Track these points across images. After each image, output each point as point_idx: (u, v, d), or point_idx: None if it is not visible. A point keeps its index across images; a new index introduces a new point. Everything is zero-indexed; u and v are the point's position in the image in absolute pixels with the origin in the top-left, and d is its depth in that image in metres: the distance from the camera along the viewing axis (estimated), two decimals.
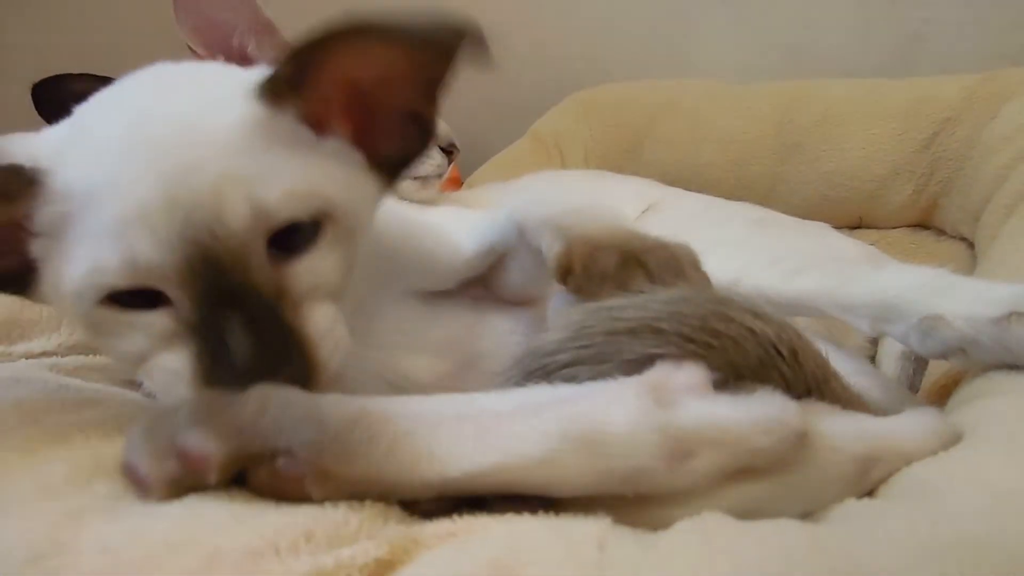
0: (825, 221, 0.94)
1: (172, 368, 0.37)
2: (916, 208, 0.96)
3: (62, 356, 0.51)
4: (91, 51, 1.12)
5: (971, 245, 0.89)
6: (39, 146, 0.40)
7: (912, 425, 0.35)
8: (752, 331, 0.32)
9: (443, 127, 0.87)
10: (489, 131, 1.31)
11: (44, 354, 0.50)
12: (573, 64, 1.35)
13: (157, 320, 0.37)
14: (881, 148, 0.96)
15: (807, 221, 0.91)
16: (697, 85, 1.16)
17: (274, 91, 0.39)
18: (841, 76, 1.07)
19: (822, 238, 0.86)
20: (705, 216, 0.90)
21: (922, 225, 0.97)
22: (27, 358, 0.49)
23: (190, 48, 0.79)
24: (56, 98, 0.95)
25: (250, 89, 0.39)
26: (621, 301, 0.35)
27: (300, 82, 0.39)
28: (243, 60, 0.80)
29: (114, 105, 0.41)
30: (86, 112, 0.42)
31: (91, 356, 0.52)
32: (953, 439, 0.35)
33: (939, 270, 0.48)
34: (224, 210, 0.36)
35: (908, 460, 0.34)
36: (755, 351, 0.32)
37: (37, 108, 0.94)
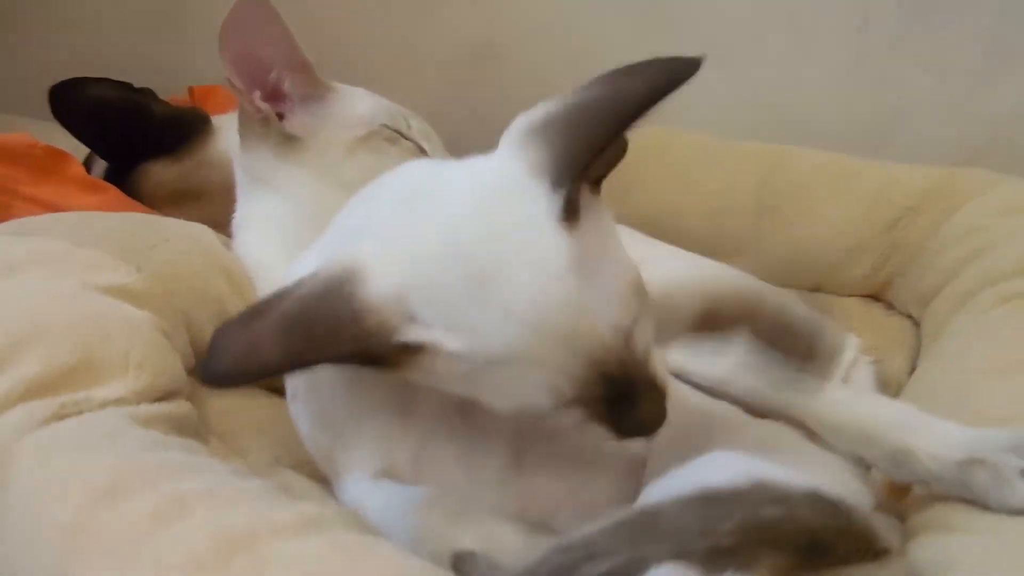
0: (789, 282, 1.04)
1: (600, 438, 0.45)
2: (871, 282, 1.06)
3: (136, 404, 0.54)
4: (103, 53, 1.11)
5: (917, 324, 1.00)
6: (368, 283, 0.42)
7: None
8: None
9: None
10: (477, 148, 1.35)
11: (119, 401, 0.53)
12: (563, 92, 1.40)
13: (574, 413, 0.44)
14: (848, 224, 1.06)
15: (779, 290, 1.00)
16: (687, 136, 1.23)
17: (573, 213, 0.43)
18: (819, 143, 1.15)
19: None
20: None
21: (874, 297, 1.08)
22: (103, 404, 0.52)
23: (228, 81, 0.81)
24: (74, 101, 0.96)
25: (553, 215, 0.43)
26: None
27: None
28: (277, 96, 0.84)
29: (436, 243, 0.43)
30: (395, 247, 0.44)
31: (160, 403, 0.56)
32: None
33: (909, 407, 0.57)
34: (609, 346, 0.43)
35: None
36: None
37: (54, 111, 0.95)
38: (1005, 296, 0.83)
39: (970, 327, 0.83)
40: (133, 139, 0.98)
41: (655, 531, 0.37)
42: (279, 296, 0.44)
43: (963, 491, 0.51)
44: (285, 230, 0.84)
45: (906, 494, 0.60)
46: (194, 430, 0.58)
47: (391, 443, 0.54)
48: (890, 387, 0.90)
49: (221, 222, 0.88)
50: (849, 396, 0.61)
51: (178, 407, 0.57)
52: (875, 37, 1.18)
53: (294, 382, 0.58)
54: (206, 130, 1.02)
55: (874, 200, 1.05)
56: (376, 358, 0.43)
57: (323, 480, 0.63)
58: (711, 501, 0.38)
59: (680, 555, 0.36)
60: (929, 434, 0.54)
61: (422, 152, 0.88)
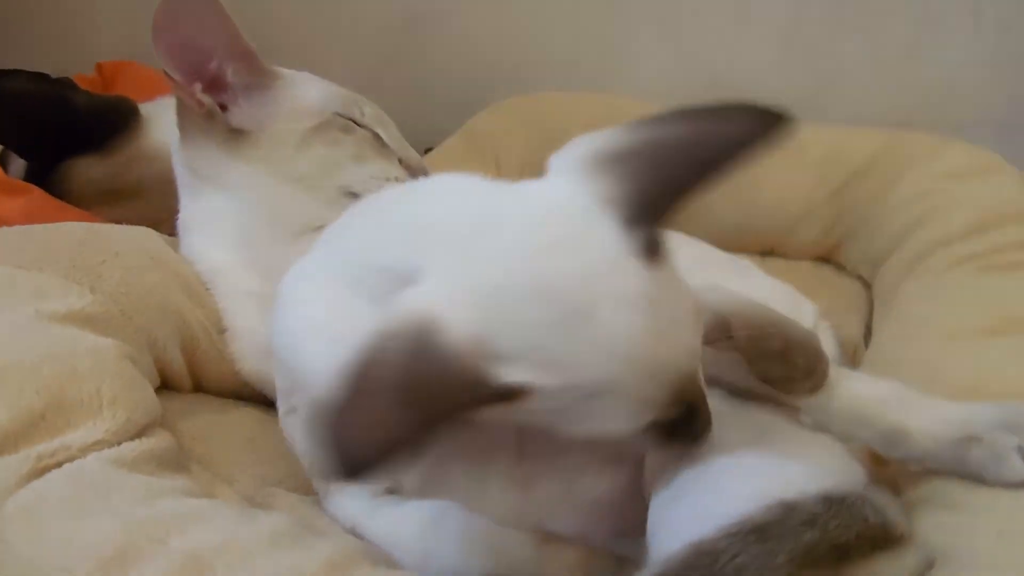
0: (741, 247, 1.06)
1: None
2: (822, 246, 1.09)
3: (116, 445, 0.50)
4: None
5: (867, 284, 1.04)
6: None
7: None
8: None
9: (417, 158, 0.88)
10: (416, 124, 1.32)
11: (98, 444, 0.49)
12: (502, 66, 1.37)
13: (638, 439, 0.46)
14: (797, 190, 1.08)
15: (735, 258, 1.02)
16: (630, 105, 1.22)
17: (653, 250, 0.43)
18: None
19: (751, 279, 0.97)
20: None
21: (825, 259, 1.11)
22: (82, 451, 0.48)
23: (166, 73, 0.75)
24: None
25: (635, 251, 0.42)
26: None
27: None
28: (219, 86, 0.78)
29: (516, 280, 0.42)
30: (469, 287, 0.42)
31: (141, 439, 0.52)
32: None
33: (897, 385, 0.59)
34: (686, 371, 0.44)
35: None
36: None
37: None
38: (955, 259, 0.87)
39: (924, 292, 0.86)
40: (54, 135, 0.90)
41: (715, 572, 0.37)
42: (369, 369, 0.40)
43: (959, 468, 0.53)
44: (238, 232, 0.79)
45: (889, 463, 0.62)
46: (176, 462, 0.55)
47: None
48: (847, 350, 0.94)
49: (159, 220, 0.83)
50: (837, 377, 0.62)
51: (159, 441, 0.54)
52: (812, 5, 1.19)
53: (293, 398, 0.55)
54: (135, 121, 0.95)
55: (821, 165, 1.07)
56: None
57: (308, 492, 0.61)
58: (760, 535, 0.38)
59: None
60: (922, 413, 0.55)
61: (378, 139, 0.84)
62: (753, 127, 0.44)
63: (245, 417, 0.71)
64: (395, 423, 0.39)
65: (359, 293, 0.49)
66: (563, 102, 1.27)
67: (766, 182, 1.10)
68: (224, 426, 0.67)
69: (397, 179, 0.82)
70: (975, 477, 0.52)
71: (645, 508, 0.55)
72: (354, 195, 0.81)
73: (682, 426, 0.46)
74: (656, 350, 0.43)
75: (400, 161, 0.84)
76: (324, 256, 0.55)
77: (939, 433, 0.53)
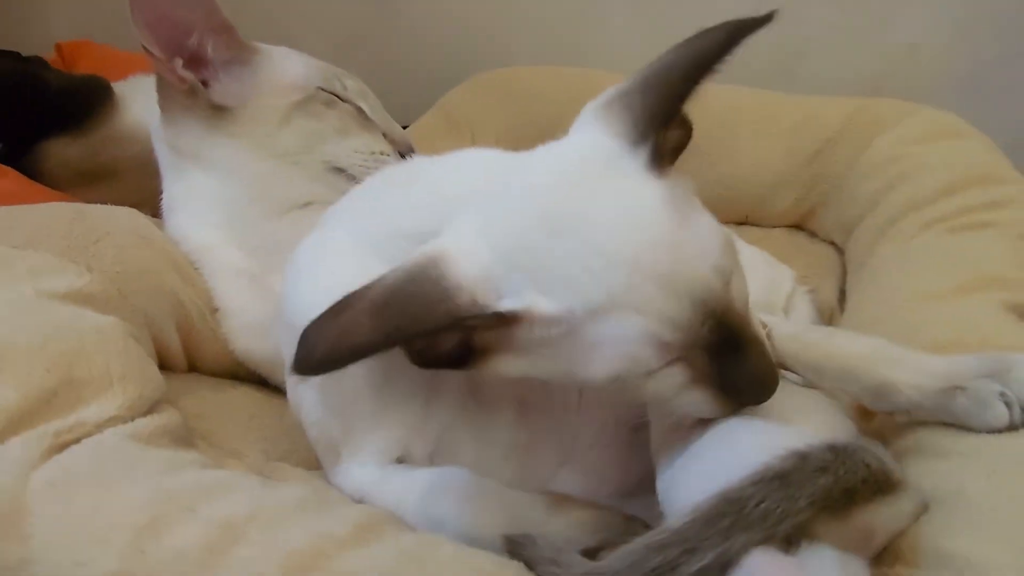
0: (718, 215, 1.07)
1: (703, 406, 0.46)
2: (795, 213, 1.12)
3: (131, 420, 0.50)
4: None
5: (840, 250, 1.07)
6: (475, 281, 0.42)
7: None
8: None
9: (401, 131, 0.88)
10: (391, 101, 1.31)
11: (112, 420, 0.49)
12: (475, 42, 1.37)
13: (678, 374, 0.44)
14: (770, 159, 1.10)
15: None
16: (604, 77, 1.23)
17: (660, 162, 0.45)
18: (729, 81, 1.18)
19: (742, 249, 0.99)
20: None
21: (799, 226, 1.14)
22: (99, 426, 0.48)
23: (145, 48, 0.74)
24: None
25: (639, 166, 0.44)
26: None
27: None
28: (200, 62, 0.77)
29: (519, 212, 0.44)
30: (479, 230, 0.44)
31: (153, 415, 0.52)
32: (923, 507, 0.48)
33: (881, 341, 0.61)
34: (711, 286, 0.43)
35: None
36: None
37: None
38: (926, 222, 0.89)
39: (897, 255, 0.89)
40: (27, 115, 0.88)
41: (743, 519, 0.39)
42: (362, 290, 0.43)
43: (945, 416, 0.55)
44: (224, 210, 0.78)
45: (874, 415, 0.65)
46: (186, 438, 0.55)
47: (412, 431, 0.53)
48: (824, 313, 0.97)
49: (138, 201, 0.81)
50: (825, 336, 0.64)
51: (170, 417, 0.54)
52: None
53: None
54: (110, 100, 0.93)
55: (793, 134, 1.09)
56: (467, 344, 0.44)
57: (312, 467, 0.62)
58: (782, 481, 0.40)
59: (766, 539, 0.38)
60: (908, 366, 0.57)
61: (361, 113, 0.83)
62: (725, 34, 0.48)
63: (243, 396, 0.71)
64: (363, 331, 0.41)
65: (382, 258, 0.50)
66: (537, 76, 1.27)
67: (739, 153, 1.12)
68: (224, 404, 0.67)
69: (382, 153, 0.82)
70: (961, 424, 0.54)
71: (647, 468, 0.57)
72: (339, 170, 0.81)
73: (728, 369, 0.44)
74: (670, 259, 0.42)
75: (384, 135, 0.84)
76: (342, 227, 0.56)
77: (925, 384, 0.56)
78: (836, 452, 0.42)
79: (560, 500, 0.53)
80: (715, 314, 0.43)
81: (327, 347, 0.41)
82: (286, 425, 0.62)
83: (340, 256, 0.54)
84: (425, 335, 0.43)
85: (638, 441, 0.58)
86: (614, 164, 0.45)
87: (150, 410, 0.52)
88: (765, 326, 0.61)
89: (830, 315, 0.96)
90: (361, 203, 0.58)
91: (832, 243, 1.08)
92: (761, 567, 0.37)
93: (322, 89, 0.81)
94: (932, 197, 0.91)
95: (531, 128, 1.24)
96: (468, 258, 0.43)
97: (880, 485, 0.43)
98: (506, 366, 0.45)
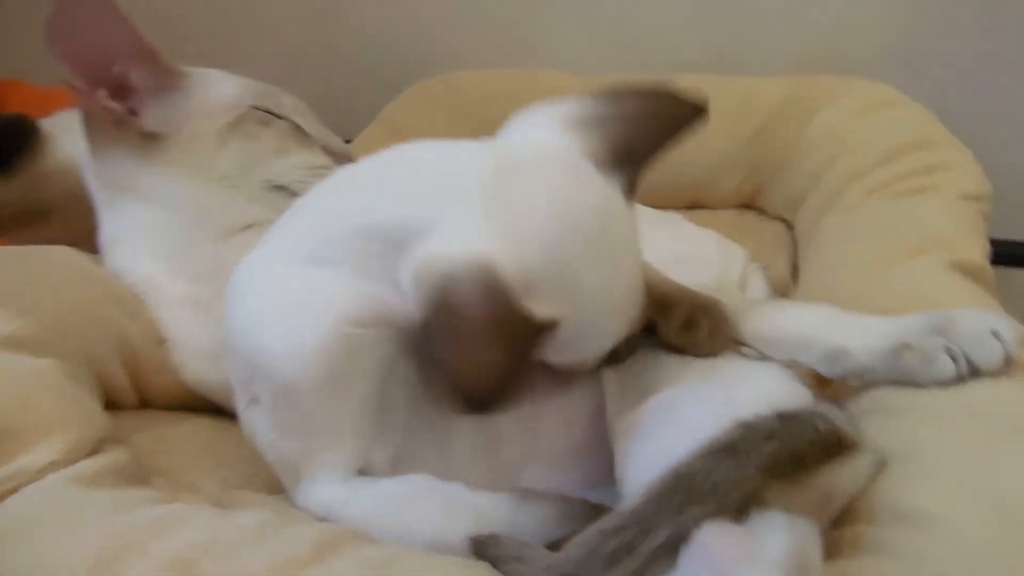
0: (667, 204, 1.08)
1: None
2: (743, 193, 1.13)
3: (73, 464, 0.48)
4: None
5: (790, 225, 1.08)
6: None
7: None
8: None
9: (341, 144, 0.87)
10: (332, 116, 1.30)
11: (53, 464, 0.47)
12: (416, 49, 1.36)
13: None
14: (714, 142, 1.11)
15: (663, 212, 1.04)
16: (548, 76, 1.23)
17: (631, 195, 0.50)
18: (677, 69, 1.19)
19: (681, 230, 1.00)
20: None
21: (748, 206, 1.15)
22: (40, 472, 0.46)
23: (67, 82, 0.72)
24: None
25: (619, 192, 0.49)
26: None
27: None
28: (126, 90, 0.75)
29: (554, 220, 0.45)
30: (506, 229, 0.44)
31: (97, 456, 0.50)
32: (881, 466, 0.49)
33: (831, 308, 0.62)
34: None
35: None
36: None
37: None
38: (868, 190, 0.91)
39: (843, 224, 0.91)
40: None
41: (694, 493, 0.39)
42: (449, 313, 0.42)
43: (895, 375, 0.56)
44: (164, 239, 0.76)
45: (830, 383, 0.66)
46: (137, 475, 0.53)
47: (370, 441, 0.52)
48: (778, 289, 0.98)
49: (74, 240, 0.79)
50: (776, 309, 0.65)
51: (116, 456, 0.52)
52: None
53: (255, 386, 0.54)
54: (36, 139, 0.90)
55: (733, 116, 1.11)
56: None
57: (274, 491, 0.60)
58: (728, 452, 0.40)
59: (719, 511, 0.38)
60: (857, 330, 0.58)
61: (298, 129, 0.82)
62: (690, 112, 0.54)
63: (198, 426, 0.69)
64: (500, 361, 0.42)
65: (331, 265, 0.49)
66: (480, 80, 1.27)
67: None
68: (179, 437, 0.65)
69: (323, 167, 0.81)
70: (911, 381, 0.55)
71: (611, 457, 0.57)
72: (280, 188, 0.80)
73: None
74: (637, 279, 0.50)
75: (324, 149, 0.83)
76: (283, 238, 0.55)
77: (874, 346, 0.57)
78: (783, 419, 0.42)
79: (525, 496, 0.52)
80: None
81: (482, 391, 0.42)
82: (245, 451, 0.60)
83: (278, 270, 0.53)
84: (528, 351, 0.44)
85: (601, 430, 0.58)
86: (608, 190, 0.49)
87: (94, 451, 0.50)
88: (718, 304, 0.62)
89: (784, 291, 0.97)
90: (297, 214, 0.57)
91: (782, 220, 1.10)
92: (711, 539, 0.37)
93: (255, 107, 0.79)
94: (872, 166, 0.92)
95: (480, 133, 1.24)
96: (504, 263, 0.43)
97: (831, 447, 0.43)
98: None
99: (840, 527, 0.44)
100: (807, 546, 0.38)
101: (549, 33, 1.32)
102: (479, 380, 0.41)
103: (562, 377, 0.57)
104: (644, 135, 0.51)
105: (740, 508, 0.39)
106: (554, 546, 0.45)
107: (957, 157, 0.89)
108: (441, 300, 0.42)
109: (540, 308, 0.44)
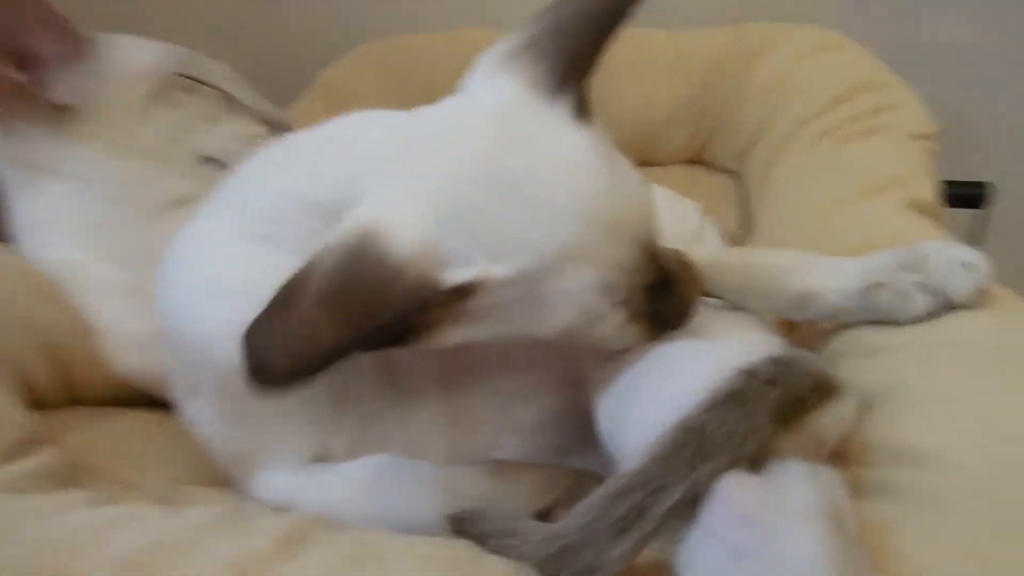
0: None
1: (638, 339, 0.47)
2: (691, 148, 1.12)
3: None
4: None
5: (738, 178, 1.07)
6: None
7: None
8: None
9: (276, 112, 0.81)
10: (268, 82, 1.23)
11: None
12: (353, 12, 1.30)
13: (619, 314, 0.44)
14: (655, 98, 1.09)
15: None
16: (487, 37, 1.19)
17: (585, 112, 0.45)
18: None
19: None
20: None
21: (695, 161, 1.14)
22: None
23: None
24: None
25: (565, 116, 0.44)
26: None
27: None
28: (33, 60, 0.69)
29: (458, 172, 0.41)
30: (408, 193, 0.40)
31: (20, 461, 0.45)
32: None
33: (795, 252, 0.61)
34: (648, 228, 0.45)
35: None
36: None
37: None
38: (817, 135, 0.90)
39: (795, 171, 0.90)
40: None
41: (706, 447, 0.36)
42: (299, 281, 0.38)
43: (869, 315, 0.55)
44: (88, 219, 0.70)
45: (798, 328, 0.65)
46: (71, 476, 0.48)
47: (327, 427, 0.49)
48: (731, 241, 0.97)
49: None
50: (743, 257, 0.63)
51: (45, 458, 0.47)
52: None
53: (196, 375, 0.50)
54: None
55: (673, 70, 1.08)
56: (419, 320, 0.40)
57: (223, 484, 0.56)
58: (736, 401, 0.38)
59: (733, 463, 0.36)
60: (826, 272, 0.57)
61: (229, 97, 0.77)
62: None
63: (136, 420, 0.64)
64: (325, 330, 0.37)
65: (274, 243, 0.46)
66: (422, 43, 1.21)
67: (625, 95, 1.10)
68: (115, 433, 0.60)
69: (258, 137, 0.76)
70: (886, 319, 0.54)
71: (581, 423, 0.55)
72: (211, 160, 0.74)
73: (659, 304, 0.46)
74: (612, 205, 0.43)
75: (258, 118, 0.78)
76: (220, 215, 0.51)
77: (845, 287, 0.56)
78: (780, 363, 0.40)
79: (500, 467, 0.50)
80: (652, 255, 0.45)
81: (288, 356, 0.37)
82: (189, 444, 0.56)
83: (218, 248, 0.49)
84: (389, 324, 0.39)
85: (570, 396, 0.56)
86: (540, 115, 0.44)
87: (19, 455, 0.45)
88: (685, 256, 0.60)
89: (738, 243, 0.96)
90: (236, 187, 0.53)
91: (730, 171, 1.09)
92: (733, 492, 0.35)
93: (179, 75, 0.74)
94: (820, 111, 0.91)
95: (422, 98, 1.18)
96: (406, 227, 0.39)
97: (826, 390, 0.41)
98: (450, 336, 0.42)
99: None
100: (835, 494, 0.36)
101: None
102: (290, 350, 0.37)
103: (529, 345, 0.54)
104: (579, 38, 0.46)
105: (753, 459, 0.37)
106: (542, 517, 0.42)
107: (903, 98, 0.89)
108: (300, 272, 0.38)
109: (460, 273, 0.40)
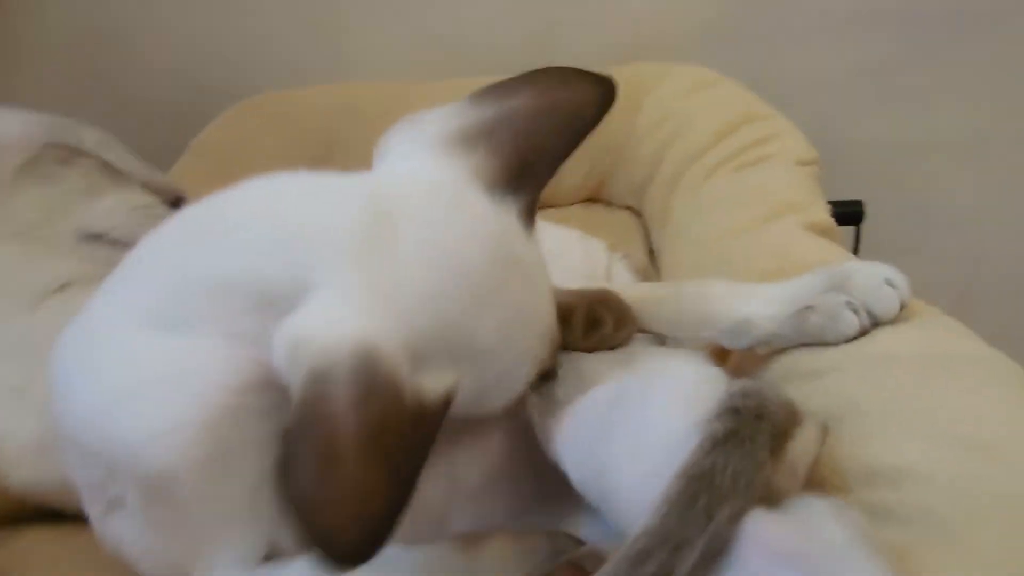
0: None
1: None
2: (587, 187, 1.14)
3: None
4: None
5: (637, 213, 1.10)
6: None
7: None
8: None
9: (164, 178, 0.75)
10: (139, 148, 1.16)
11: None
12: (225, 70, 1.25)
13: None
14: None
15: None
16: (373, 90, 1.17)
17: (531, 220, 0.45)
18: (498, 68, 1.17)
19: (541, 232, 0.98)
20: None
21: (593, 200, 1.16)
22: None
23: None
24: None
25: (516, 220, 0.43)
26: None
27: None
28: None
29: (432, 279, 0.39)
30: (383, 297, 0.38)
31: None
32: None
33: (723, 281, 0.62)
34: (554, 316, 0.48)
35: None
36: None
37: None
38: (710, 168, 0.94)
39: (693, 203, 0.93)
40: None
41: (719, 492, 0.35)
42: (318, 432, 0.34)
43: (802, 338, 0.56)
44: None
45: (728, 357, 0.66)
46: None
47: (273, 520, 0.44)
48: (640, 275, 0.99)
49: None
50: (672, 290, 0.64)
51: None
52: None
53: (115, 487, 0.44)
54: None
55: None
56: None
57: None
58: (736, 441, 0.37)
59: (747, 506, 0.35)
60: (757, 298, 0.58)
61: (110, 167, 0.71)
62: (594, 91, 0.48)
63: (37, 540, 0.56)
64: (377, 491, 0.34)
65: (190, 329, 0.41)
66: (300, 98, 1.18)
67: None
68: (13, 559, 0.53)
69: (147, 207, 0.70)
70: (818, 341, 0.56)
71: (534, 483, 0.53)
72: (96, 236, 0.68)
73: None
74: (548, 313, 0.46)
75: (145, 186, 0.72)
76: (120, 301, 0.45)
77: (777, 312, 0.57)
78: (753, 396, 0.40)
79: (472, 540, 0.47)
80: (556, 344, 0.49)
81: (364, 533, 0.34)
82: (105, 560, 0.49)
83: (123, 341, 0.43)
84: (423, 456, 0.37)
85: (517, 455, 0.54)
86: (499, 219, 0.43)
87: None
88: (614, 294, 0.60)
89: (646, 276, 0.98)
90: (136, 268, 0.47)
91: (629, 208, 1.11)
92: (767, 533, 0.34)
93: (51, 145, 0.67)
94: (708, 144, 0.96)
95: (303, 156, 1.15)
96: (387, 339, 0.37)
97: (795, 417, 0.42)
98: None
99: None
100: (863, 524, 0.35)
101: (359, 40, 1.26)
102: (357, 518, 0.33)
103: None
104: (540, 138, 0.45)
105: (763, 499, 0.36)
106: None
107: (784, 127, 0.95)
108: (313, 404, 0.35)
109: (436, 380, 0.38)
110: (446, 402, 0.39)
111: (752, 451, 0.36)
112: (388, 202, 0.41)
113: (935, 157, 1.24)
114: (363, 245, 0.39)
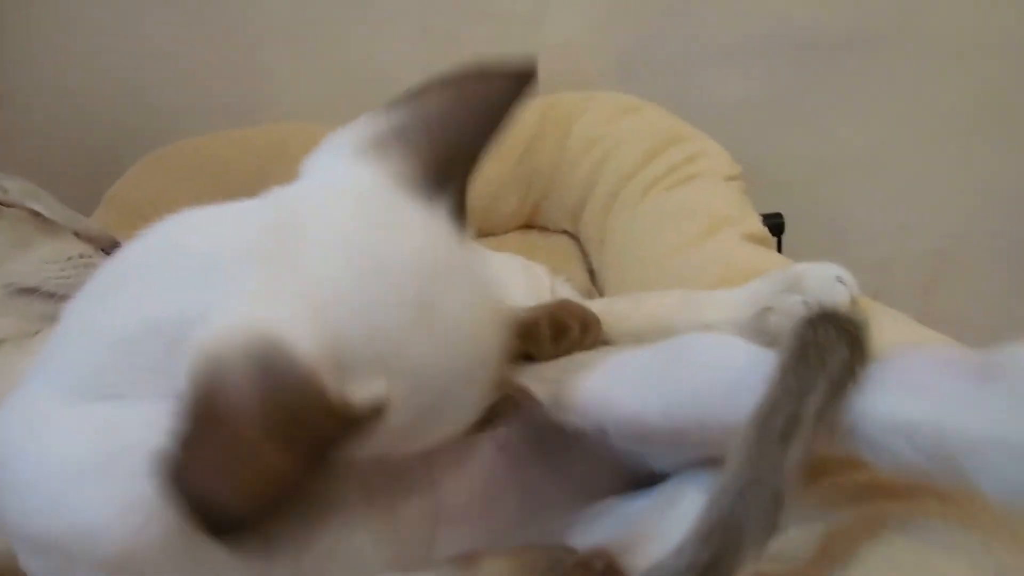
0: None
1: None
2: (522, 214, 1.15)
3: None
4: None
5: (573, 237, 1.12)
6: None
7: None
8: None
9: (96, 226, 0.72)
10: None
11: None
12: (136, 122, 1.21)
13: None
14: (483, 169, 1.12)
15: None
16: (291, 131, 1.16)
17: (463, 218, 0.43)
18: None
19: (483, 256, 0.98)
20: None
21: (529, 226, 1.17)
22: None
23: None
24: None
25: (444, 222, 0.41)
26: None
27: None
28: None
29: (353, 281, 0.37)
30: (298, 296, 0.36)
31: None
32: None
33: (679, 291, 0.64)
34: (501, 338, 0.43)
35: None
36: None
37: None
38: (643, 188, 0.97)
39: (630, 223, 0.96)
40: None
41: (826, 347, 0.37)
42: (209, 408, 0.33)
43: (763, 339, 0.59)
44: None
45: None
46: None
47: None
48: (584, 294, 1.00)
49: None
50: (631, 303, 0.65)
51: None
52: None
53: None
54: None
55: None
56: None
57: None
58: (825, 318, 0.39)
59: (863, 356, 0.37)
60: (717, 305, 0.61)
61: (37, 216, 0.67)
62: (509, 79, 0.46)
63: None
64: (266, 458, 0.32)
65: (124, 396, 0.39)
66: (217, 143, 1.15)
67: None
68: None
69: (84, 257, 0.66)
70: (775, 340, 0.58)
71: (524, 489, 0.53)
72: (29, 290, 0.64)
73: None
74: (489, 328, 0.42)
75: (77, 235, 0.68)
76: (49, 378, 0.42)
77: (738, 316, 0.59)
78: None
79: (469, 559, 0.46)
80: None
81: (245, 499, 0.32)
82: None
83: (58, 421, 0.40)
84: (333, 444, 0.35)
85: (499, 470, 0.54)
86: (426, 224, 0.41)
87: None
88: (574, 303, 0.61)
89: (590, 296, 1.00)
90: (62, 338, 0.44)
91: (565, 232, 1.13)
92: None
93: None
94: (639, 165, 0.99)
95: (229, 190, 1.11)
96: (303, 338, 0.35)
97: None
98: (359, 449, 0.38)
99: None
100: None
101: (277, 83, 1.26)
102: (248, 493, 0.32)
103: None
104: (456, 133, 0.43)
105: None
106: None
107: (708, 146, 0.99)
108: (206, 390, 0.33)
109: (364, 386, 0.36)
110: (377, 409, 0.37)
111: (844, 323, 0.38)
112: (295, 213, 0.39)
113: (843, 172, 1.33)
114: (261, 255, 0.37)
